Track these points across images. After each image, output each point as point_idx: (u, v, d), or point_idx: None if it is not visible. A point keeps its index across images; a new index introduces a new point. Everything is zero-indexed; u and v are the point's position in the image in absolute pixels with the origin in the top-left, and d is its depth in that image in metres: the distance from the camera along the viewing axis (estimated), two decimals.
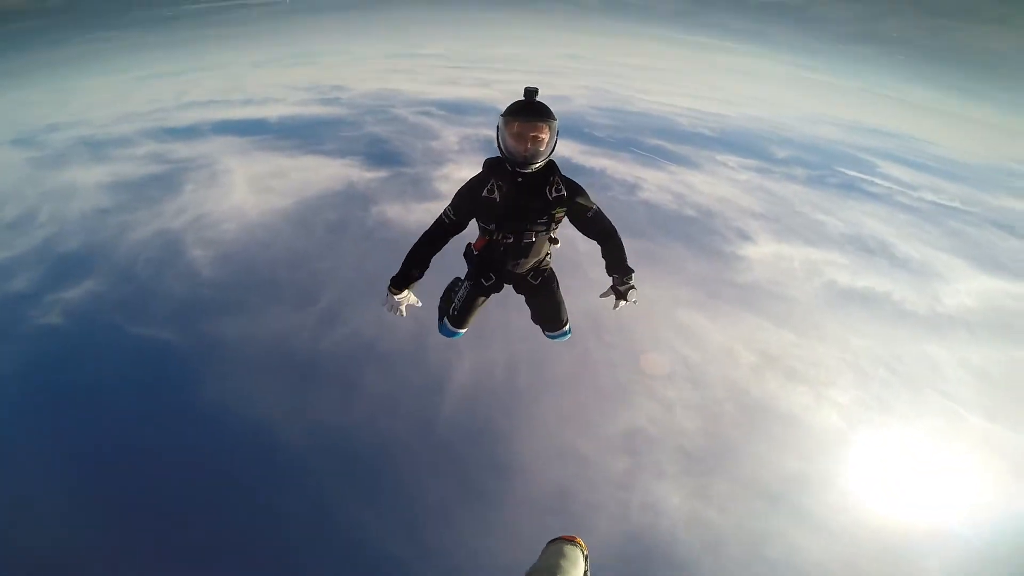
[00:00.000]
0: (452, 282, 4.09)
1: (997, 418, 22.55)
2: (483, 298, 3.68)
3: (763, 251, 33.34)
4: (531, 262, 3.44)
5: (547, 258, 3.60)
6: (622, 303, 3.49)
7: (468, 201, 3.04)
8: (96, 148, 50.06)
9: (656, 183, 41.59)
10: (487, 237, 3.23)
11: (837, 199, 43.70)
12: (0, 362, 22.67)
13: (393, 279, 3.24)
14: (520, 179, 2.96)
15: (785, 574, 17.37)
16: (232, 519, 17.27)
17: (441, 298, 4.10)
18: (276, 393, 21.53)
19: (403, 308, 3.38)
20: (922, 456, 20.82)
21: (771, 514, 18.67)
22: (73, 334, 24.59)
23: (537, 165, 2.91)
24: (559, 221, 3.20)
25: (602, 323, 25.54)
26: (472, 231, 3.36)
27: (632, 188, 40.25)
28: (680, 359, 24.37)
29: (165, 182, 39.97)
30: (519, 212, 3.04)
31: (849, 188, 47.45)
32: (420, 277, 3.30)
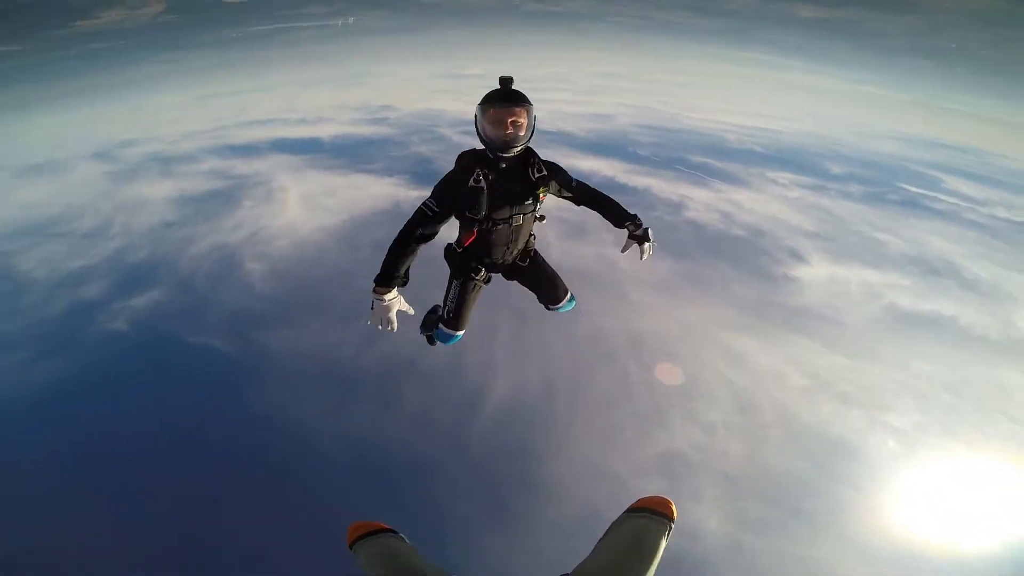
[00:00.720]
0: (431, 309, 4.18)
1: None
2: (475, 293, 3.69)
3: (817, 272, 31.71)
4: (520, 244, 3.49)
5: (532, 239, 3.63)
6: (646, 246, 3.41)
7: (454, 192, 3.02)
8: (164, 164, 53.90)
9: (703, 202, 40.40)
10: (475, 229, 3.22)
11: (898, 217, 40.89)
12: (69, 364, 24.37)
13: (377, 277, 3.03)
14: (503, 165, 3.02)
15: None
16: (260, 521, 17.88)
17: (422, 325, 4.21)
18: (315, 404, 22.25)
19: (393, 316, 3.08)
20: (986, 483, 19.40)
21: (815, 541, 17.80)
22: (136, 341, 26.33)
23: (518, 149, 2.96)
24: (542, 201, 3.26)
25: (643, 344, 25.51)
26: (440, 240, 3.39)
27: (677, 207, 39.24)
28: (725, 382, 23.61)
29: (225, 198, 42.41)
30: (508, 196, 3.10)
31: (912, 205, 44.31)
32: (407, 274, 3.12)
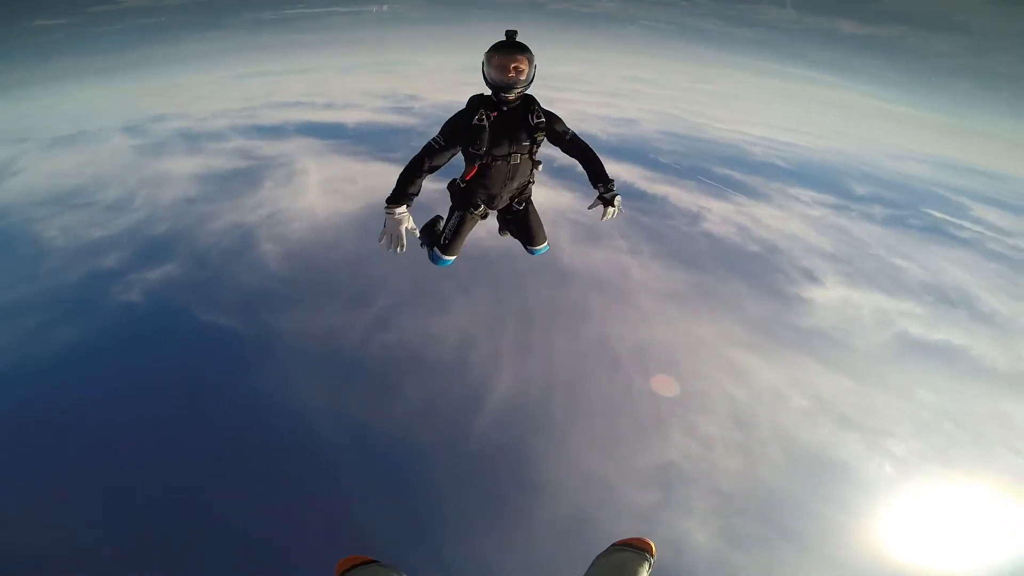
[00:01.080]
0: (433, 218, 4.39)
1: None
2: (470, 225, 3.96)
3: (830, 295, 31.37)
4: (516, 184, 3.73)
5: (529, 185, 3.88)
6: (610, 210, 3.64)
7: (459, 128, 3.34)
8: (192, 140, 54.76)
9: (720, 214, 40.06)
10: (476, 164, 3.51)
11: (919, 243, 40.07)
12: (81, 330, 25.09)
13: (389, 197, 3.42)
14: (505, 107, 3.33)
15: None
16: (255, 504, 18.10)
17: (422, 231, 4.33)
18: (319, 387, 22.57)
19: (403, 232, 3.45)
20: (980, 513, 19.27)
21: (802, 562, 17.74)
22: (149, 313, 26.95)
23: (518, 91, 3.26)
24: (540, 144, 3.52)
25: (649, 354, 25.57)
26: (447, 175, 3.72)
27: (695, 218, 38.98)
28: (726, 398, 23.60)
29: (248, 177, 42.99)
30: (507, 133, 3.39)
31: (934, 231, 43.22)
32: (416, 194, 3.46)
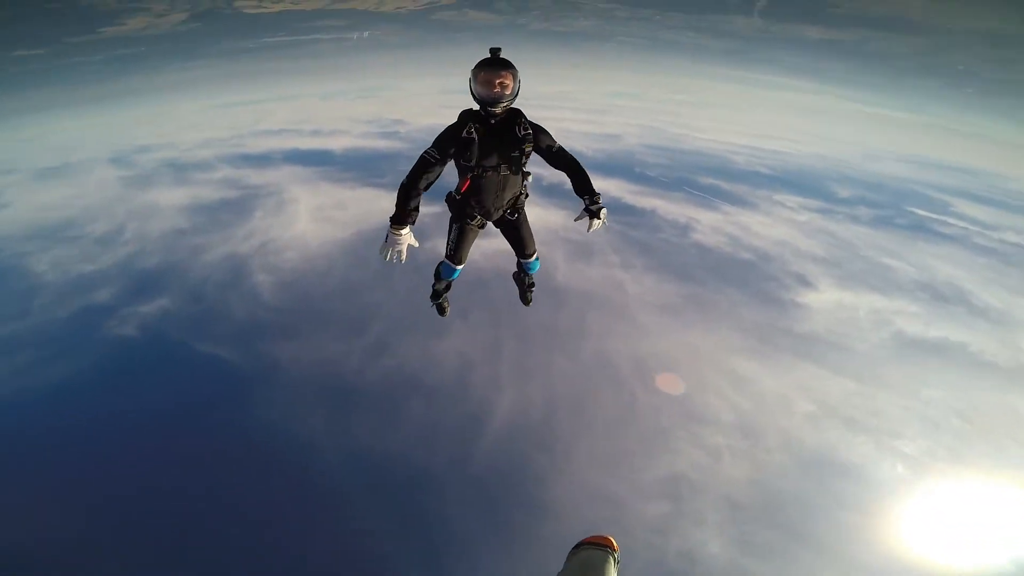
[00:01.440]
0: (435, 272, 4.58)
1: None
2: (472, 235, 4.11)
3: (825, 298, 31.79)
4: (508, 195, 3.88)
5: (522, 196, 4.04)
6: (596, 222, 3.75)
7: (450, 141, 3.46)
8: (179, 171, 54.48)
9: (710, 224, 40.51)
10: (468, 176, 3.67)
11: (906, 242, 40.87)
12: (75, 366, 24.75)
13: (393, 217, 3.50)
14: (493, 121, 3.47)
15: None
16: (259, 531, 18.00)
17: (431, 295, 4.76)
18: (319, 414, 22.46)
19: (403, 249, 3.55)
20: (996, 508, 19.39)
21: (821, 566, 17.69)
22: (144, 346, 26.69)
23: (504, 104, 3.41)
24: (528, 155, 3.65)
25: (649, 367, 25.58)
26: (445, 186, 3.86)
27: (684, 230, 39.35)
28: (730, 406, 23.69)
29: (237, 207, 42.87)
30: (495, 146, 3.52)
31: (920, 229, 44.16)
32: (416, 211, 3.55)
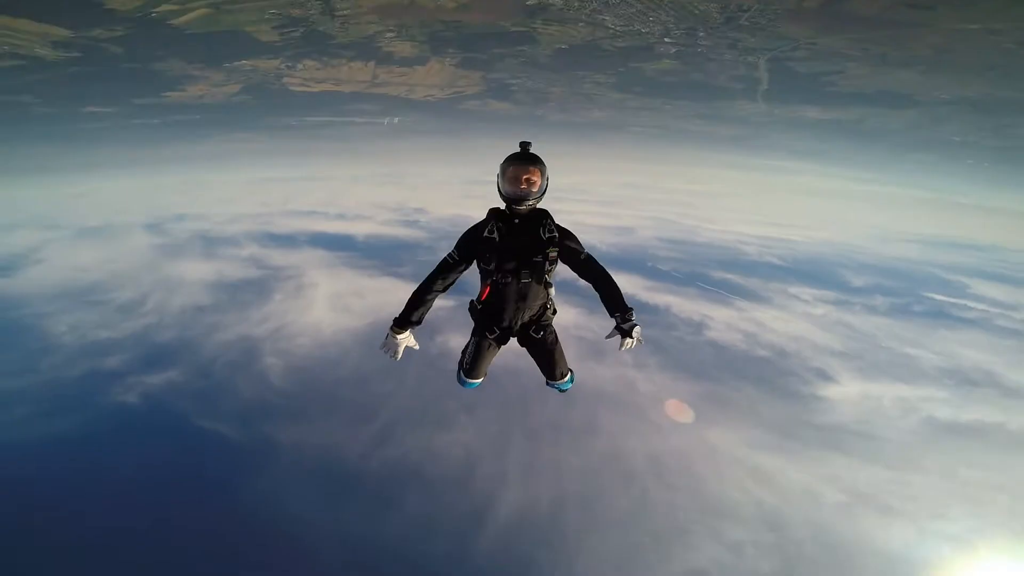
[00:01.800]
0: (465, 345, 4.21)
1: None
2: (489, 351, 3.79)
3: (847, 391, 31.09)
4: (530, 306, 3.54)
5: (547, 312, 3.70)
6: (628, 340, 3.49)
7: (471, 241, 3.32)
8: (209, 244, 57.04)
9: (724, 321, 40.16)
10: (488, 283, 3.42)
11: (927, 329, 40.09)
12: (71, 425, 25.03)
13: (396, 319, 3.41)
14: (517, 220, 3.29)
15: None
16: None
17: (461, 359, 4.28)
18: (315, 499, 21.93)
19: (401, 351, 3.47)
20: None
21: None
22: (143, 414, 26.90)
23: (530, 203, 3.25)
24: (553, 262, 3.37)
25: (663, 463, 24.68)
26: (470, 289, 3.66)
27: (698, 327, 38.88)
28: (752, 501, 22.74)
29: (258, 287, 44.08)
30: (516, 248, 3.28)
31: (939, 315, 43.32)
32: (421, 319, 3.45)
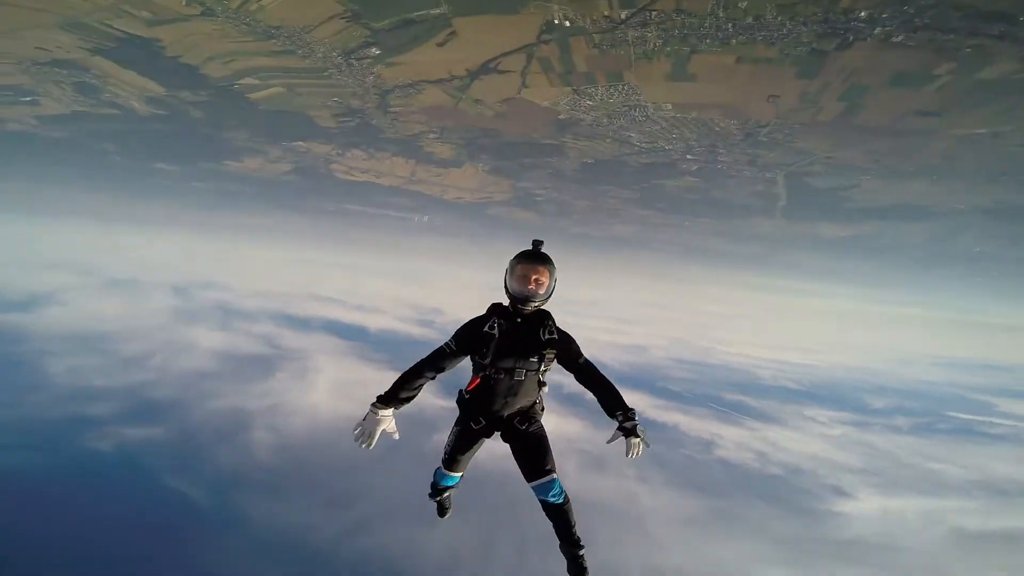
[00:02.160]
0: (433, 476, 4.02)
1: None
2: (473, 442, 3.62)
3: (866, 506, 30.39)
4: (519, 402, 3.44)
5: (536, 406, 3.56)
6: (634, 440, 3.22)
7: (470, 335, 3.26)
8: (227, 315, 58.05)
9: (735, 440, 39.36)
10: (479, 376, 3.34)
11: (952, 445, 39.61)
12: (31, 460, 24.43)
13: (380, 396, 3.23)
14: (519, 319, 3.25)
15: None
16: None
17: (430, 492, 4.04)
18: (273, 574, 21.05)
19: (378, 433, 3.22)
20: None
21: None
22: (112, 463, 26.07)
23: (536, 304, 3.23)
24: (550, 362, 3.33)
25: None
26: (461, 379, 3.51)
27: (708, 445, 38.13)
28: None
29: (264, 364, 44.03)
30: (514, 347, 3.23)
31: (966, 432, 43.08)
32: (408, 401, 3.29)
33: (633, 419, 3.26)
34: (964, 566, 24.31)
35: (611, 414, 3.34)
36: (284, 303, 67.72)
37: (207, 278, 76.26)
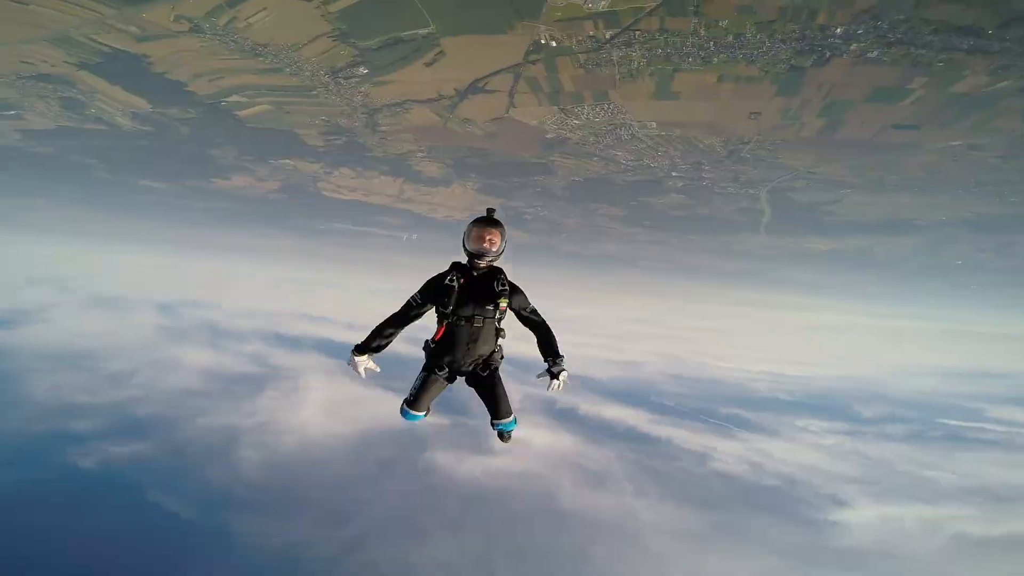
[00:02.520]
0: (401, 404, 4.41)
1: None
2: (436, 386, 4.06)
3: (863, 515, 30.56)
4: (480, 349, 3.86)
5: (495, 355, 4.02)
6: (555, 383, 3.85)
7: (433, 287, 3.71)
8: (215, 334, 56.91)
9: (730, 453, 39.40)
10: (444, 324, 3.79)
11: (945, 452, 40.09)
12: (12, 478, 23.72)
13: (356, 346, 3.76)
14: (475, 273, 3.71)
15: None
16: None
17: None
18: None
19: (361, 369, 3.77)
20: None
21: None
22: (94, 479, 25.47)
23: (489, 259, 3.67)
24: (504, 312, 3.76)
25: None
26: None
27: (702, 458, 38.09)
28: None
29: (253, 383, 43.21)
30: (472, 296, 3.68)
31: (957, 439, 43.41)
32: (380, 350, 3.80)
33: (561, 366, 3.88)
34: (969, 570, 24.85)
35: (544, 356, 3.92)
36: (273, 322, 66.88)
37: (193, 296, 75.21)
